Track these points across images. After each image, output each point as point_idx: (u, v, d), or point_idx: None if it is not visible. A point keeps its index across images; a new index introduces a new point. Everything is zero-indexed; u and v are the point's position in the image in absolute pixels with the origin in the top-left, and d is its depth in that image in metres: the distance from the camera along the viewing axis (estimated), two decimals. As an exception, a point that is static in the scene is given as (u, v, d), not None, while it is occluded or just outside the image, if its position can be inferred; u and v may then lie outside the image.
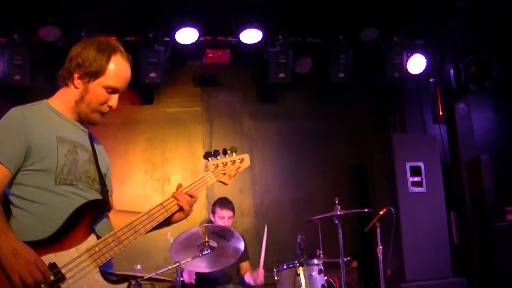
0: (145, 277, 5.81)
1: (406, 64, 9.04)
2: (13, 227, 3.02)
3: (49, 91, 3.48)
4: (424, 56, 9.07)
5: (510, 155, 9.59)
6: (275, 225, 9.13)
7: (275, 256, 8.48)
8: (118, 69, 3.32)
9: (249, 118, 9.45)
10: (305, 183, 9.44)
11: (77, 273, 3.03)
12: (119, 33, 8.13)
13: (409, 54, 9.04)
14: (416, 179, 8.55)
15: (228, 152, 3.69)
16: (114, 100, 3.35)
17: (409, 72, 9.10)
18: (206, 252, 5.75)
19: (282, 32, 8.68)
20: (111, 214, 3.42)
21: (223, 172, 3.64)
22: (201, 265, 6.40)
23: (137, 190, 8.85)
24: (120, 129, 8.74)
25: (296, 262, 6.45)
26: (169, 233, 6.17)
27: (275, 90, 9.44)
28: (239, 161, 3.72)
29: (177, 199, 3.41)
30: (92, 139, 3.50)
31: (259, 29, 8.48)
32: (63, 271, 3.00)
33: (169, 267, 5.80)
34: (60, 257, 3.02)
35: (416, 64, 9.08)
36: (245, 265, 7.71)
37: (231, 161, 3.69)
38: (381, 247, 6.80)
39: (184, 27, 8.27)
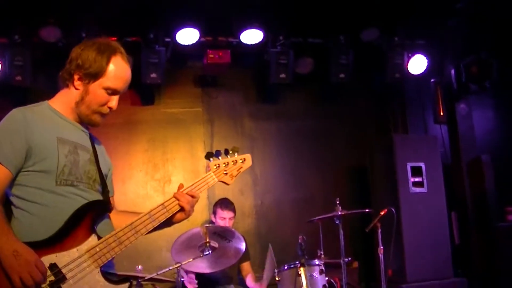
0: (146, 278, 5.81)
1: (407, 65, 9.04)
2: (14, 228, 3.03)
3: (50, 92, 3.48)
4: (425, 56, 9.06)
5: (511, 155, 9.59)
6: (276, 226, 9.16)
7: (276, 257, 8.50)
8: (118, 70, 3.32)
9: (250, 119, 9.45)
10: (306, 184, 9.44)
11: (78, 273, 3.04)
12: (120, 33, 8.15)
13: (410, 55, 9.04)
14: (417, 179, 8.54)
15: (230, 152, 3.69)
16: (114, 101, 3.35)
17: (410, 73, 9.10)
18: (207, 252, 5.75)
19: (283, 32, 8.68)
20: (112, 215, 3.43)
21: (225, 172, 3.64)
22: (202, 266, 6.41)
23: (138, 190, 8.85)
24: (121, 130, 8.74)
25: (297, 262, 6.45)
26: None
27: (276, 90, 9.44)
28: (241, 161, 3.72)
29: (178, 199, 3.41)
30: (93, 140, 3.51)
31: (259, 30, 8.47)
32: (63, 271, 3.01)
33: (170, 268, 5.79)
34: (61, 258, 3.03)
35: (417, 64, 9.08)
36: (246, 265, 7.72)
37: (233, 161, 3.69)
38: (382, 248, 6.80)
39: (184, 27, 8.27)
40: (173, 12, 8.16)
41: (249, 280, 7.60)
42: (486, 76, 9.12)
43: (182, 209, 3.42)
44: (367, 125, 9.84)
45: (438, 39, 9.25)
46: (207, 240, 5.84)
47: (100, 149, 3.55)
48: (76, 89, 3.31)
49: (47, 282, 2.96)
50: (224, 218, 7.41)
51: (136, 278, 5.76)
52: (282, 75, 8.71)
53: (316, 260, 6.68)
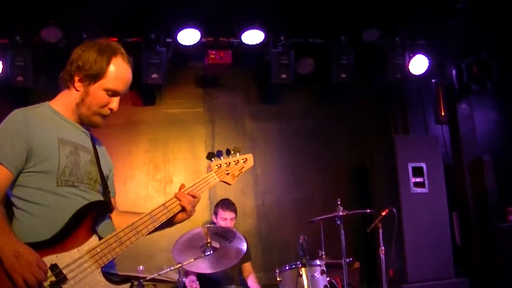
0: (147, 278, 5.81)
1: (408, 65, 9.04)
2: (15, 229, 3.03)
3: (52, 92, 3.48)
4: (425, 56, 9.06)
5: (512, 155, 9.61)
6: (277, 226, 9.17)
7: (277, 257, 8.51)
8: (118, 71, 3.31)
9: (251, 119, 9.46)
10: (307, 184, 9.44)
11: (78, 274, 3.04)
12: (121, 34, 8.16)
13: (410, 55, 9.04)
14: (418, 179, 8.54)
15: (232, 152, 3.67)
16: (115, 103, 3.34)
17: (411, 73, 9.10)
18: (209, 253, 5.75)
19: (284, 32, 8.68)
20: (113, 215, 3.43)
21: (226, 172, 3.63)
22: (203, 266, 6.40)
23: (140, 191, 8.86)
24: (122, 130, 8.75)
25: (299, 262, 6.45)
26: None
27: (277, 90, 9.45)
28: (242, 161, 3.70)
29: (179, 200, 3.40)
30: (94, 140, 3.50)
31: (260, 30, 8.47)
32: (64, 272, 3.01)
33: (172, 268, 5.79)
34: (62, 258, 3.03)
35: (418, 64, 9.08)
36: (247, 266, 7.72)
37: (234, 161, 3.67)
38: (383, 248, 6.79)
39: (186, 28, 8.28)
40: (174, 13, 8.16)
41: (251, 281, 7.61)
42: (487, 76, 9.13)
43: (183, 209, 3.41)
44: (368, 125, 9.84)
45: (439, 39, 9.25)
46: (208, 240, 5.84)
47: (101, 150, 3.54)
48: (77, 90, 3.31)
49: (48, 283, 2.96)
50: (225, 219, 7.41)
51: (137, 278, 5.76)
52: (283, 76, 8.71)
53: (317, 261, 6.68)
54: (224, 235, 6.17)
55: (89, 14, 7.79)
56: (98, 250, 3.12)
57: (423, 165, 8.57)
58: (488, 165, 9.21)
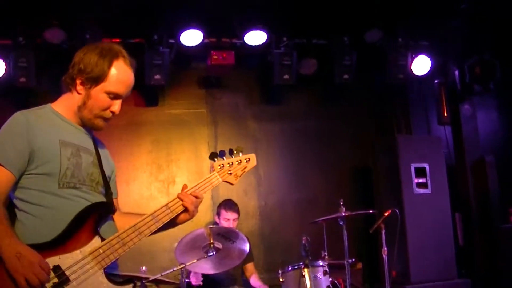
0: (150, 279, 5.81)
1: (410, 65, 9.04)
2: (17, 230, 3.04)
3: (54, 94, 3.49)
4: (428, 57, 9.06)
5: (515, 156, 9.61)
6: (279, 227, 9.17)
7: (280, 258, 8.50)
8: (120, 74, 3.30)
9: (254, 120, 9.46)
10: (309, 184, 9.44)
11: (81, 275, 3.04)
12: (124, 35, 8.18)
13: (413, 56, 9.04)
14: (421, 180, 8.54)
15: (234, 152, 3.65)
16: (116, 105, 3.34)
17: (413, 73, 9.09)
18: (211, 253, 5.75)
19: (287, 33, 8.68)
20: (115, 216, 3.43)
21: (229, 172, 3.62)
22: (206, 267, 6.40)
23: (142, 191, 8.86)
24: (125, 131, 8.75)
25: (301, 263, 6.45)
26: (175, 244, 6.17)
27: (280, 91, 9.45)
28: (245, 160, 3.69)
29: (182, 200, 3.39)
30: (96, 142, 3.51)
31: (263, 31, 8.47)
32: (67, 273, 3.01)
33: (174, 269, 5.79)
34: (64, 260, 3.03)
35: (421, 65, 9.08)
36: (249, 266, 7.73)
37: (237, 161, 3.66)
38: (386, 249, 6.78)
39: (188, 29, 8.29)
40: (177, 14, 8.17)
41: (253, 280, 7.62)
42: (490, 76, 9.12)
43: (186, 209, 3.40)
44: (371, 126, 9.84)
45: (441, 40, 9.24)
46: (211, 241, 5.84)
47: (103, 151, 3.55)
48: (79, 93, 3.30)
49: (51, 284, 2.96)
50: (228, 219, 7.42)
51: (140, 279, 5.77)
52: (286, 76, 8.72)
53: (320, 261, 6.67)
54: (227, 235, 6.17)
55: (92, 15, 7.80)
56: (101, 251, 3.12)
57: (426, 165, 8.57)
58: (491, 166, 9.20)
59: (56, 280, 2.97)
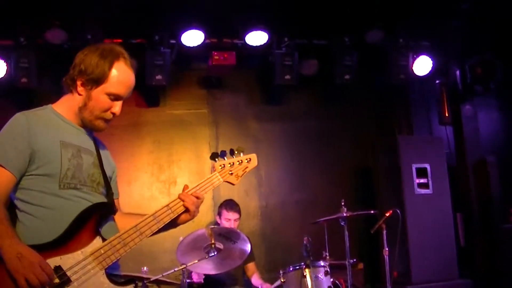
0: (151, 279, 5.82)
1: (411, 66, 9.03)
2: (18, 231, 3.05)
3: (55, 94, 3.49)
4: (429, 57, 9.06)
5: (516, 156, 9.60)
6: (280, 227, 9.16)
7: (281, 258, 8.50)
8: (120, 76, 3.31)
9: (255, 120, 9.45)
10: (310, 185, 9.44)
11: (82, 276, 3.04)
12: (125, 35, 8.18)
13: (414, 56, 9.03)
14: (422, 180, 8.54)
15: (235, 152, 3.67)
16: (117, 107, 3.34)
17: (414, 74, 9.09)
18: (213, 254, 5.77)
19: (288, 34, 8.68)
20: (117, 217, 3.43)
21: (230, 172, 3.63)
22: (208, 267, 6.41)
23: (144, 192, 8.86)
24: (126, 132, 8.75)
25: (302, 264, 6.45)
26: (181, 237, 6.17)
27: (281, 92, 9.45)
28: (246, 161, 3.70)
29: (183, 201, 3.40)
30: (97, 143, 3.51)
31: (264, 31, 8.48)
32: (68, 273, 3.01)
33: (176, 269, 5.80)
34: (66, 260, 3.03)
35: (422, 65, 9.07)
36: (251, 266, 7.74)
37: (238, 161, 3.67)
38: (387, 249, 6.79)
39: (189, 29, 8.29)
40: (178, 14, 8.17)
41: (255, 279, 7.63)
42: (491, 77, 9.12)
43: (187, 210, 3.41)
44: (372, 126, 9.83)
45: (442, 40, 9.24)
46: (212, 241, 5.85)
47: (104, 152, 3.55)
48: (79, 94, 3.31)
49: (52, 285, 2.97)
50: (229, 220, 7.43)
51: (141, 279, 5.78)
52: (287, 77, 8.71)
53: (321, 262, 6.67)
54: (228, 236, 6.18)
55: (93, 15, 7.80)
56: (102, 251, 3.12)
57: (427, 166, 8.57)
58: (492, 166, 9.20)
59: (57, 280, 2.97)
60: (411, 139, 9.35)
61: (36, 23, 7.88)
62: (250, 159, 3.72)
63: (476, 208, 9.28)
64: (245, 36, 8.53)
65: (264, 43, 8.63)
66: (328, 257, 6.92)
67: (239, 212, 7.57)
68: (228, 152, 3.65)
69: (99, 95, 3.27)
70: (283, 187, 9.41)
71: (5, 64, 7.85)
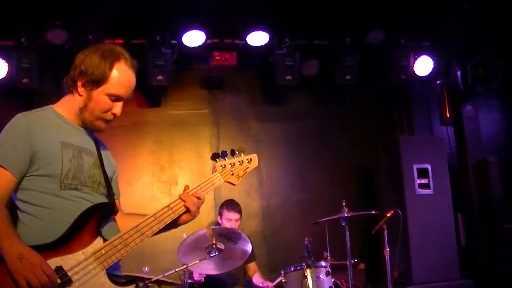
0: (152, 279, 5.82)
1: (412, 66, 9.03)
2: (19, 232, 3.05)
3: (57, 95, 3.49)
4: (430, 58, 9.06)
5: (517, 157, 9.60)
6: (282, 227, 9.16)
7: (282, 258, 8.50)
8: (121, 76, 3.31)
9: (256, 120, 9.45)
10: (312, 185, 9.43)
11: (83, 276, 3.05)
12: (126, 36, 8.17)
13: (415, 56, 9.04)
14: (423, 181, 8.53)
15: (236, 152, 3.67)
16: (118, 108, 3.34)
17: (415, 74, 9.09)
18: (214, 254, 5.77)
19: (289, 34, 8.68)
20: (118, 217, 3.44)
21: (231, 172, 3.63)
22: (209, 267, 6.41)
23: (145, 192, 8.86)
24: (127, 132, 8.76)
25: (304, 264, 6.44)
26: (184, 234, 6.17)
27: (282, 92, 9.45)
28: (247, 161, 3.71)
29: (184, 201, 3.40)
30: (98, 143, 3.51)
31: (265, 32, 8.48)
32: (69, 274, 3.02)
33: (177, 269, 5.80)
34: (67, 260, 3.04)
35: (423, 66, 9.07)
36: (252, 266, 7.75)
37: (239, 161, 3.68)
38: (388, 249, 6.79)
39: (191, 29, 8.29)
40: (179, 14, 8.17)
41: (256, 278, 7.64)
42: (492, 77, 9.12)
43: (187, 210, 3.41)
44: (373, 126, 9.82)
45: (443, 40, 9.24)
46: (214, 241, 5.86)
47: (105, 152, 3.55)
48: (80, 95, 3.31)
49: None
50: (230, 220, 7.43)
51: (142, 279, 5.78)
52: (288, 77, 8.71)
53: (322, 262, 6.67)
54: (229, 236, 6.18)
55: (94, 16, 7.80)
56: (103, 252, 3.12)
57: (428, 166, 8.57)
58: (493, 166, 9.19)
59: (58, 281, 2.97)
60: (412, 139, 9.36)
61: (37, 24, 7.88)
62: (251, 159, 3.73)
63: (477, 208, 9.27)
64: (246, 37, 8.53)
65: (265, 44, 8.62)
66: (329, 257, 6.92)
67: (240, 212, 7.57)
68: (229, 152, 3.65)
69: (100, 95, 3.27)
70: (284, 187, 9.41)
71: (6, 64, 7.85)
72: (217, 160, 3.62)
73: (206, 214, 8.64)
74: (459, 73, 9.54)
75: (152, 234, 3.31)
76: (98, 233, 3.17)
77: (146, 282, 5.78)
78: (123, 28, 8.17)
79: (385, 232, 6.79)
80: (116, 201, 3.54)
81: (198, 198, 3.44)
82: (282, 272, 6.67)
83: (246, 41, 8.57)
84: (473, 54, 9.25)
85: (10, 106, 7.82)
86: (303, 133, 9.54)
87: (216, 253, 5.80)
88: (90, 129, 3.41)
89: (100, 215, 3.22)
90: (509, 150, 9.73)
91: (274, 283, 7.05)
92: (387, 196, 8.77)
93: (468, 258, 9.02)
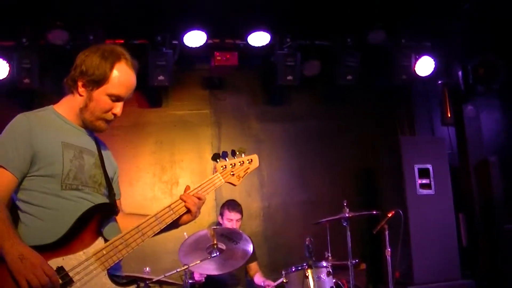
0: (153, 280, 5.82)
1: (414, 66, 9.03)
2: (20, 232, 3.05)
3: (58, 95, 3.49)
4: (432, 58, 9.06)
5: (518, 157, 9.59)
6: (283, 228, 9.16)
7: (283, 259, 8.50)
8: (122, 76, 3.31)
9: (257, 121, 9.46)
10: (313, 185, 9.43)
11: (84, 276, 3.05)
12: (127, 36, 8.17)
13: (417, 56, 9.04)
14: (424, 181, 8.53)
15: (237, 153, 3.68)
16: (118, 108, 3.35)
17: (416, 74, 9.09)
18: (215, 254, 5.77)
19: (290, 34, 8.68)
20: (119, 217, 3.44)
21: (232, 173, 3.64)
22: (210, 268, 6.41)
23: (146, 192, 8.86)
24: (128, 132, 8.76)
25: (305, 264, 6.43)
26: (185, 233, 6.17)
27: (283, 92, 9.45)
28: (247, 161, 3.71)
29: (184, 201, 3.41)
30: (99, 143, 3.52)
31: (266, 32, 8.49)
32: (70, 274, 3.02)
33: (178, 270, 5.80)
34: (68, 261, 3.04)
35: (424, 66, 9.07)
36: (253, 266, 7.76)
37: (239, 162, 3.68)
38: (389, 249, 6.79)
39: (192, 30, 8.29)
40: (180, 15, 8.17)
41: (257, 277, 7.64)
42: (493, 77, 9.12)
43: (188, 210, 3.42)
44: (374, 126, 9.82)
45: (445, 40, 9.24)
46: (215, 242, 5.86)
47: (106, 152, 3.56)
48: (80, 95, 3.31)
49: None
50: (231, 220, 7.43)
51: (143, 280, 5.78)
52: (289, 77, 8.72)
53: (323, 262, 6.66)
54: (230, 236, 6.18)
55: (95, 16, 7.80)
56: (104, 252, 3.13)
57: (429, 166, 8.57)
58: (494, 166, 9.19)
59: (60, 281, 2.97)
60: (413, 139, 9.36)
61: (38, 24, 7.89)
62: (251, 160, 3.73)
63: (478, 209, 9.27)
64: (247, 37, 8.54)
65: (266, 44, 8.63)
66: (330, 258, 6.93)
67: (241, 212, 7.57)
68: (229, 153, 3.66)
69: (100, 96, 3.28)
70: (285, 188, 9.40)
71: (7, 65, 7.86)
72: (218, 160, 3.62)
73: (207, 214, 8.64)
74: (460, 73, 9.53)
75: (153, 234, 3.31)
76: (99, 233, 3.17)
77: (147, 282, 5.78)
78: (124, 28, 8.17)
79: (386, 232, 6.80)
80: (117, 201, 3.54)
81: (199, 198, 3.44)
82: (283, 272, 6.66)
83: (247, 41, 8.58)
84: (474, 54, 9.25)
85: (11, 106, 7.83)
86: (304, 133, 9.54)
87: (217, 254, 5.79)
88: (90, 129, 3.41)
89: (101, 216, 3.22)
90: (510, 150, 9.73)
91: (276, 283, 7.05)
92: (388, 196, 8.78)
93: (469, 258, 9.01)
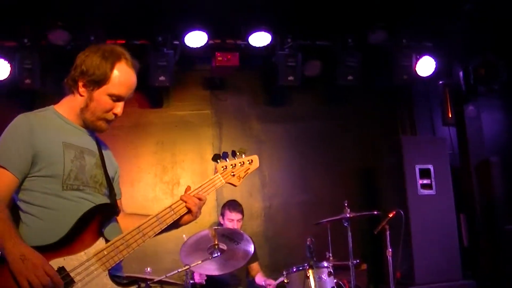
0: (155, 280, 5.83)
1: (415, 67, 9.03)
2: (21, 232, 3.05)
3: (59, 95, 3.49)
4: (433, 58, 9.05)
5: (519, 157, 9.59)
6: (284, 228, 9.16)
7: (284, 259, 8.49)
8: (122, 76, 3.31)
9: (258, 121, 9.46)
10: (314, 186, 9.43)
11: (85, 277, 3.05)
12: (128, 36, 8.17)
13: (418, 57, 9.03)
14: (425, 181, 8.53)
15: (237, 153, 3.67)
16: (119, 108, 3.35)
17: (417, 74, 9.09)
18: (216, 254, 5.78)
19: (291, 35, 8.68)
20: (120, 218, 3.44)
21: (232, 173, 3.63)
22: (211, 268, 6.41)
23: (147, 193, 8.87)
24: (129, 133, 8.77)
25: (306, 264, 6.44)
26: (184, 235, 6.17)
27: (284, 92, 9.46)
28: (248, 162, 3.70)
29: (185, 202, 3.40)
30: (99, 143, 3.51)
31: (267, 32, 8.48)
32: (71, 275, 3.02)
33: (179, 270, 5.80)
34: (69, 261, 3.04)
35: (425, 66, 9.07)
36: (254, 265, 7.76)
37: (240, 162, 3.67)
38: (390, 250, 6.79)
39: (193, 30, 8.29)
40: (181, 15, 8.18)
41: (258, 277, 7.64)
42: (494, 77, 9.12)
43: (189, 211, 3.41)
44: (375, 127, 9.82)
45: (446, 41, 9.24)
46: (216, 242, 5.86)
47: (106, 152, 3.56)
48: (81, 95, 3.31)
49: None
50: (232, 220, 7.43)
51: (144, 280, 5.78)
52: (290, 78, 8.71)
53: (324, 262, 6.66)
54: (232, 237, 6.18)
55: (96, 16, 7.81)
56: (105, 253, 3.12)
57: (430, 166, 8.57)
58: (495, 167, 9.18)
59: (62, 281, 2.97)
60: (414, 139, 9.35)
61: (39, 24, 7.89)
62: (252, 160, 3.72)
63: (479, 209, 9.26)
64: (248, 37, 8.54)
65: (267, 44, 8.64)
66: (331, 258, 6.93)
67: (242, 212, 7.57)
68: (230, 153, 3.66)
69: (101, 96, 3.28)
70: (287, 188, 9.41)
71: (9, 65, 7.87)
72: (218, 161, 3.62)
73: (208, 214, 8.64)
74: (461, 73, 9.52)
75: (154, 234, 3.31)
76: (100, 233, 3.17)
77: (148, 282, 5.79)
78: (125, 28, 8.18)
79: (387, 233, 6.81)
80: (118, 201, 3.54)
81: (200, 199, 3.44)
82: (284, 272, 6.67)
83: (248, 41, 8.58)
84: (475, 54, 9.25)
85: (12, 106, 7.82)
86: (305, 133, 9.54)
87: (219, 254, 5.80)
88: (91, 129, 3.41)
89: (102, 216, 3.22)
90: (511, 150, 9.72)
91: (277, 282, 7.06)
92: (389, 197, 8.78)
93: (470, 259, 9.01)
